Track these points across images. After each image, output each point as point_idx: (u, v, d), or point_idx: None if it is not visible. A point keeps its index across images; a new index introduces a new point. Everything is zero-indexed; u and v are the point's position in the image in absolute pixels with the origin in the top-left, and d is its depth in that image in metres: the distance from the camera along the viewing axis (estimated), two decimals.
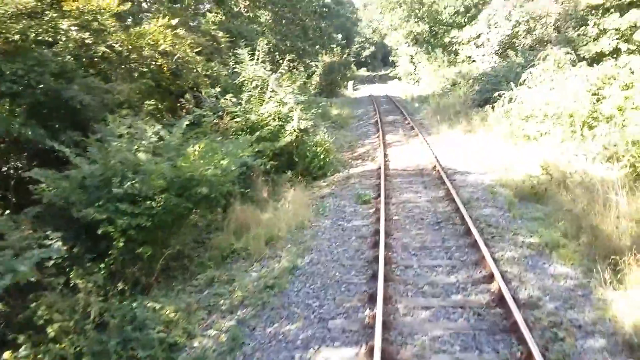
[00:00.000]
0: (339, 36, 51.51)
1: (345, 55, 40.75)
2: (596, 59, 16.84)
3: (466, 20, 37.47)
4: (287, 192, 10.93)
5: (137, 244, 6.79)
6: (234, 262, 7.95)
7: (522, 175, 11.27)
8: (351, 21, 62.42)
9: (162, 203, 7.07)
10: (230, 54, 13.71)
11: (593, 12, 17.62)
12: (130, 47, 10.67)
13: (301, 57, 23.12)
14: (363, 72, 76.84)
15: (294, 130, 12.02)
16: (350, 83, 45.99)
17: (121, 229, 6.44)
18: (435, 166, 12.79)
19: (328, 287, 6.64)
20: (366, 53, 79.40)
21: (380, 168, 12.81)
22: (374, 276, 6.59)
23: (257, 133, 11.30)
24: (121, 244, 6.46)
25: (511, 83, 15.38)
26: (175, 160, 7.62)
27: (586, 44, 17.47)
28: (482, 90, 20.67)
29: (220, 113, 11.80)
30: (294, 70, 24.87)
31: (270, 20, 21.59)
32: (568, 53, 15.64)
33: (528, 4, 24.23)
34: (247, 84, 12.35)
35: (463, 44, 35.93)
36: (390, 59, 62.27)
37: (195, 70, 12.29)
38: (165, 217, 7.25)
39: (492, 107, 16.83)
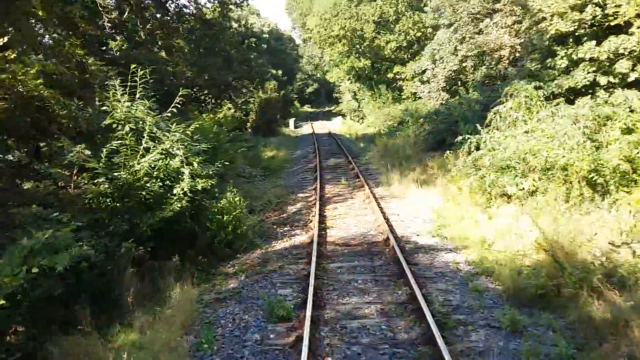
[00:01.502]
0: (279, 72, 48.44)
1: (283, 92, 37.29)
2: (566, 96, 13.84)
3: (409, 56, 35.05)
4: (172, 290, 6.89)
5: None
6: None
7: (509, 255, 7.73)
8: (292, 57, 59.75)
9: None
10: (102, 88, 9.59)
11: (561, 42, 14.73)
12: None
13: (224, 92, 19.23)
14: (307, 108, 74.08)
15: (184, 194, 7.99)
16: (292, 120, 42.50)
17: None
18: (388, 238, 9.03)
19: None
20: (310, 90, 76.82)
21: (312, 242, 8.91)
22: None
23: (123, 202, 7.32)
24: None
25: (475, 125, 12.07)
26: None
27: (553, 79, 14.51)
28: (435, 131, 17.44)
29: (68, 172, 7.69)
30: (217, 108, 21.06)
31: (186, 50, 17.63)
32: (539, 88, 12.51)
33: (478, 37, 21.53)
34: (118, 127, 8.23)
35: (407, 80, 33.31)
36: (334, 95, 59.67)
37: (49, 110, 8.19)
38: None
39: (452, 153, 13.46)
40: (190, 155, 8.58)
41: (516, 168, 9.92)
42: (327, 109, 69.33)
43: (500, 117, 11.79)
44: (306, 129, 41.18)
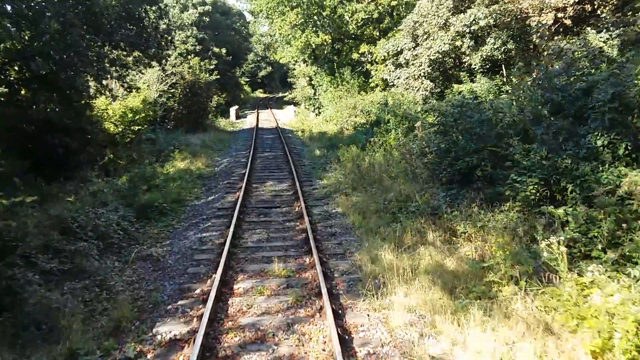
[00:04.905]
0: (223, 50, 39.24)
1: (217, 73, 28.21)
2: None
3: (379, 33, 26.69)
4: None
5: None
6: None
7: None
8: (242, 35, 50.28)
9: None
10: None
11: None
12: None
13: (84, 66, 10.21)
14: (259, 93, 64.78)
15: None
16: (233, 109, 33.49)
17: None
18: None
19: None
20: (262, 73, 67.29)
21: None
22: None
23: None
24: None
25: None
26: None
27: None
28: (449, 148, 9.08)
29: None
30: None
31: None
32: None
33: None
34: None
35: (378, 62, 24.99)
36: (288, 80, 50.67)
37: None
38: None
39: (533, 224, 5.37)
40: None
41: None
42: (280, 94, 60.24)
43: None
44: (250, 120, 32.30)
